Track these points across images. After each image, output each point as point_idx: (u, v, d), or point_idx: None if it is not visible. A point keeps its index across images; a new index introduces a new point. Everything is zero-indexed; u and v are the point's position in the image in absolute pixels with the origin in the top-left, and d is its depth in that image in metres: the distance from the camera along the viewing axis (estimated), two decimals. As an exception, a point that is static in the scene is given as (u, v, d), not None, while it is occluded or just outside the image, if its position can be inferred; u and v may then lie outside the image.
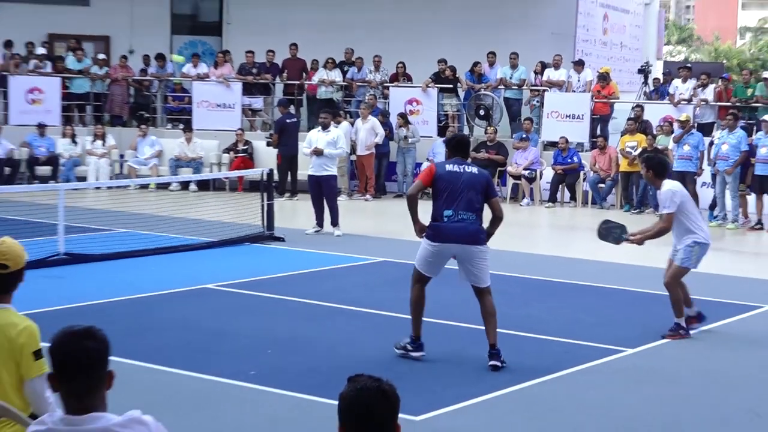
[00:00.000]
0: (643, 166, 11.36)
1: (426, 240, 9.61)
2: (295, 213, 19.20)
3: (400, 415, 3.56)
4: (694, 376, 9.47)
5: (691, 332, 10.77)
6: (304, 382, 8.63)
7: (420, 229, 9.68)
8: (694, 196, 20.33)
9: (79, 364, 3.82)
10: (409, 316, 9.69)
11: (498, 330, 9.44)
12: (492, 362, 9.37)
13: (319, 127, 17.48)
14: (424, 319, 9.73)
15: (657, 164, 11.07)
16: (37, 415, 5.32)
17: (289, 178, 21.74)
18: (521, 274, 14.08)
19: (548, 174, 22.42)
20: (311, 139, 17.18)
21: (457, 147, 10.06)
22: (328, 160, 16.97)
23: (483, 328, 9.53)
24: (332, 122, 17.75)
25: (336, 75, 24.82)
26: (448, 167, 9.65)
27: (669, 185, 10.77)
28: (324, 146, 16.83)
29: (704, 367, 9.76)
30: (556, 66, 23.83)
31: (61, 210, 14.39)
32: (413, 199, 9.69)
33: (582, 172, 22.11)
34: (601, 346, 10.20)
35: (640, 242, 11.04)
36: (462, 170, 9.61)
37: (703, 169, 20.47)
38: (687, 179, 20.23)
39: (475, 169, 9.79)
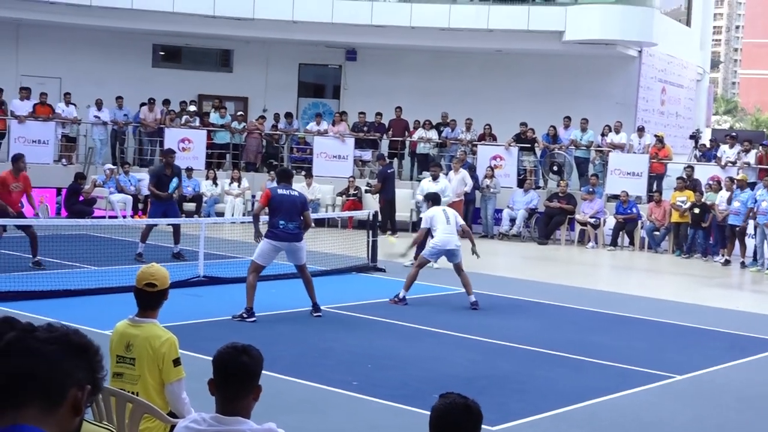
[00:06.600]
0: (427, 200, 13.97)
1: (267, 240, 11.32)
2: (394, 248, 19.08)
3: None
4: (733, 400, 9.12)
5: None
6: (397, 393, 8.52)
7: (258, 235, 11.53)
8: (743, 246, 19.51)
9: (235, 375, 3.80)
10: (470, 338, 9.53)
11: (563, 354, 9.27)
12: (316, 313, 11.71)
13: (430, 177, 17.39)
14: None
15: (434, 197, 13.91)
16: (175, 414, 5.33)
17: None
18: (585, 307, 13.83)
19: (611, 222, 22.07)
20: (424, 187, 17.02)
21: (282, 176, 11.90)
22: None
23: (546, 351, 9.93)
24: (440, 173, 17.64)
25: (433, 134, 24.84)
26: (280, 191, 11.43)
27: (432, 210, 13.34)
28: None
29: (743, 394, 9.41)
30: (617, 131, 23.56)
31: (202, 240, 14.55)
32: (257, 215, 11.65)
33: (640, 221, 21.72)
34: (654, 372, 9.91)
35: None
36: (288, 193, 11.43)
37: (747, 223, 19.39)
38: (737, 231, 19.56)
39: (296, 192, 11.63)
